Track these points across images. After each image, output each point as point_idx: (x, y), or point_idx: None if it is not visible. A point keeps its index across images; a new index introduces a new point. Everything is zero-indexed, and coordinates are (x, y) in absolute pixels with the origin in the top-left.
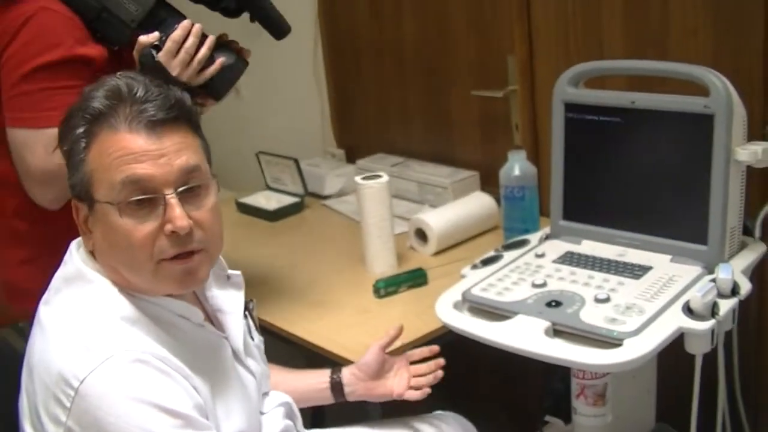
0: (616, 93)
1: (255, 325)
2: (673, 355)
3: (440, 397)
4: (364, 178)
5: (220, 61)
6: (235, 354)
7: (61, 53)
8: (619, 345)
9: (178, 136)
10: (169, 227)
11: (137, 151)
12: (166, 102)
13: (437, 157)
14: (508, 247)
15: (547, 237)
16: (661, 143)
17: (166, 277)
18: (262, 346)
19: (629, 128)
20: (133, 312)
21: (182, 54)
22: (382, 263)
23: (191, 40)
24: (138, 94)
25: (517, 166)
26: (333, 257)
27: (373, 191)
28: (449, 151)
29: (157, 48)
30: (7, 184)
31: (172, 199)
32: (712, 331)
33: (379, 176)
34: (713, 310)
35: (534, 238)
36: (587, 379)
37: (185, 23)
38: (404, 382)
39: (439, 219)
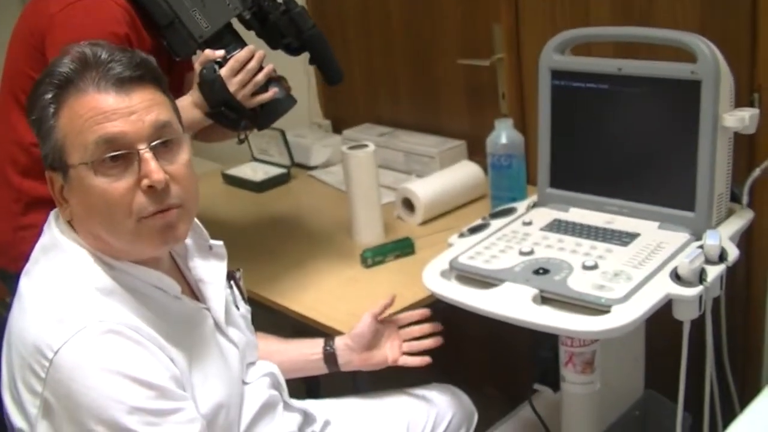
0: (603, 60)
1: (242, 295)
2: (661, 322)
3: (429, 368)
4: (350, 148)
5: (273, 90)
6: (217, 324)
7: (110, 32)
8: (607, 312)
9: (146, 93)
10: (145, 182)
11: (107, 110)
12: (132, 61)
13: (424, 127)
14: (496, 215)
15: (535, 205)
16: (648, 110)
17: (147, 234)
18: (249, 316)
19: (616, 95)
20: (108, 283)
21: (242, 74)
22: (369, 233)
23: (253, 63)
24: (102, 57)
25: (504, 135)
26: (320, 227)
27: (359, 160)
28: (436, 121)
29: (219, 65)
30: (21, 143)
31: (146, 153)
32: (700, 298)
33: (366, 146)
34: (701, 276)
35: (521, 206)
36: (575, 347)
37: (250, 47)
38: (397, 348)
39: (426, 188)
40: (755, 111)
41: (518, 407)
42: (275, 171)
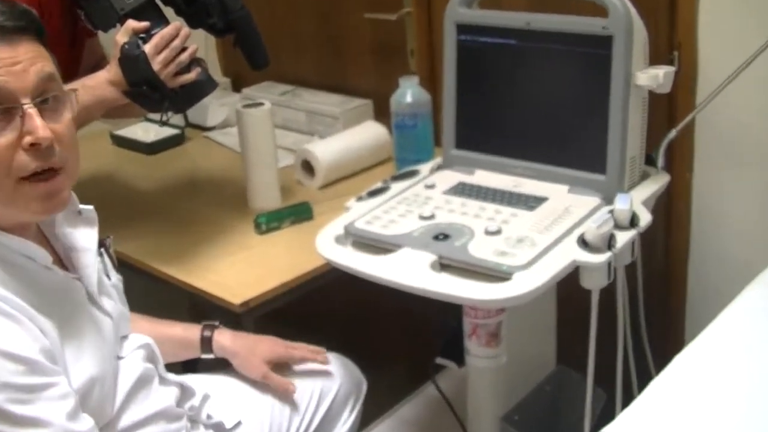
0: (511, 13)
1: (113, 264)
2: (575, 292)
3: (332, 342)
4: (245, 106)
5: (196, 71)
6: (89, 295)
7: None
8: (508, 279)
9: (31, 45)
10: (28, 139)
11: None
12: (14, 11)
13: (329, 85)
14: (397, 178)
15: (439, 167)
16: (558, 67)
17: (28, 199)
18: (121, 286)
19: (524, 51)
20: None
21: (167, 51)
22: (265, 197)
23: (177, 41)
24: None
25: (409, 93)
26: (214, 192)
27: (254, 119)
28: (341, 79)
29: (143, 41)
30: None
31: (30, 108)
32: (609, 265)
33: (262, 104)
34: (610, 242)
35: (425, 168)
36: (479, 318)
37: (176, 23)
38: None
39: (326, 150)
40: (670, 69)
41: (422, 385)
42: (168, 132)
